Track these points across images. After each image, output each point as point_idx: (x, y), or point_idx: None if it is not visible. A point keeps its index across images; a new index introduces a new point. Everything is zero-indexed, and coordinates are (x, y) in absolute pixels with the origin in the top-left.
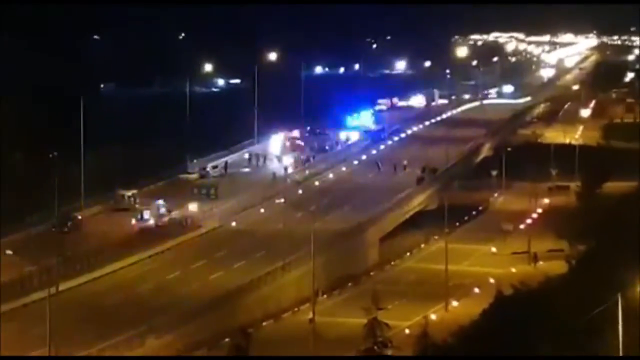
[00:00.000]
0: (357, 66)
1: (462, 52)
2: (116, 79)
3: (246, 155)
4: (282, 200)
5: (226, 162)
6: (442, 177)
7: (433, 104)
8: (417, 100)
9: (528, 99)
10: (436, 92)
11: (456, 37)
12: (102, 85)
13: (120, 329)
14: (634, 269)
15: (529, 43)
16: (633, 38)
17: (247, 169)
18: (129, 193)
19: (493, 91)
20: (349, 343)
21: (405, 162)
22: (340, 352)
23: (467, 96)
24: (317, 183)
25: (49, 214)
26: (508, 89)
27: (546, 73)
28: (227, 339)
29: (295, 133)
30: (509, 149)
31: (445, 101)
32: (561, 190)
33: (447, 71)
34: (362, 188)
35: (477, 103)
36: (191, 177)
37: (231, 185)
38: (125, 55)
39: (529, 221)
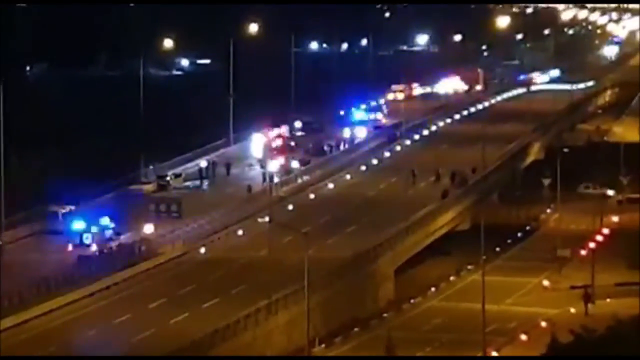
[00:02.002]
0: (364, 41)
1: (503, 22)
2: (48, 58)
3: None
4: (267, 219)
5: (201, 169)
6: (477, 187)
7: (478, 88)
8: (445, 86)
9: (590, 83)
10: (480, 73)
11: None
12: (29, 67)
13: None
14: None
15: (592, 10)
16: None
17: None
18: (65, 210)
19: (544, 74)
20: None
21: (440, 170)
22: None
23: (510, 80)
24: (312, 196)
25: None
26: (555, 73)
27: (614, 50)
28: None
29: (284, 130)
30: (565, 150)
31: (480, 87)
32: (635, 204)
33: (484, 48)
34: (373, 202)
35: (523, 89)
36: (146, 189)
37: (199, 200)
38: (61, 28)
39: (592, 245)
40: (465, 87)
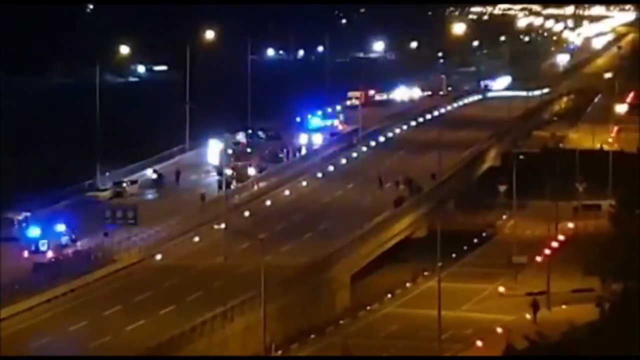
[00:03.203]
0: (321, 48)
1: (459, 29)
2: (1, 65)
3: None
4: (223, 226)
5: (155, 178)
6: (434, 194)
7: (441, 93)
8: (402, 93)
9: (546, 90)
10: (444, 79)
11: (451, 9)
12: None
13: None
14: None
15: (547, 17)
16: None
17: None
18: (20, 217)
19: (500, 80)
20: None
21: (399, 178)
22: None
23: (466, 87)
24: (268, 203)
25: None
26: (505, 80)
27: (569, 56)
28: None
29: (240, 137)
30: (521, 156)
31: (443, 92)
32: (590, 211)
33: (440, 54)
34: (329, 209)
35: (478, 96)
36: (102, 196)
37: (156, 207)
38: (14, 33)
39: (547, 252)
40: (421, 94)
